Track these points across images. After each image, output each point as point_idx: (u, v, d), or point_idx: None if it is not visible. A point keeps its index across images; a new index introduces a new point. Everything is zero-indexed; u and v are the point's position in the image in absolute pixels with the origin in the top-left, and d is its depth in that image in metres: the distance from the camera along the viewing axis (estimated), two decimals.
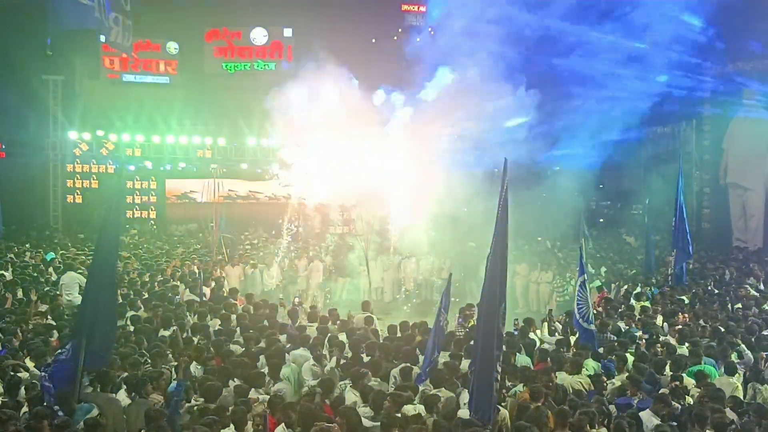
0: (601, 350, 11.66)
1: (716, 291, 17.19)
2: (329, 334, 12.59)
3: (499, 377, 7.75)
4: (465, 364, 10.55)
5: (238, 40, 34.54)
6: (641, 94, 24.26)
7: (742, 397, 9.49)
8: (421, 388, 9.64)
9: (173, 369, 10.22)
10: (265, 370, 10.27)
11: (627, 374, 10.16)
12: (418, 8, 33.76)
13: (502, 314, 7.55)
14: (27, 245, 22.78)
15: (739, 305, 15.61)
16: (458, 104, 21.05)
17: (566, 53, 23.53)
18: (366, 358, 11.12)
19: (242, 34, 34.54)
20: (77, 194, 30.02)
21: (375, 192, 21.61)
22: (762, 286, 18.58)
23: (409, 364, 10.35)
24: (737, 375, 10.46)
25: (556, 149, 24.30)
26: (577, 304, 12.32)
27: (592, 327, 12.12)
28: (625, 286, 18.56)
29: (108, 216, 9.02)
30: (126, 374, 9.39)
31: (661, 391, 9.24)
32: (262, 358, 10.76)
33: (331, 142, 21.63)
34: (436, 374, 9.85)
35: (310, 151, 22.00)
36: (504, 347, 10.61)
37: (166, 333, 12.48)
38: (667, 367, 10.57)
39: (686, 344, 11.85)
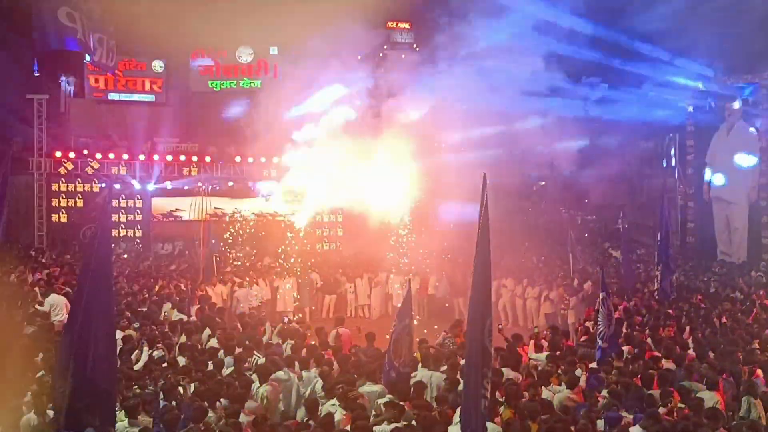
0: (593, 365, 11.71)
1: (702, 305, 17.16)
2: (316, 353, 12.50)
3: (488, 394, 7.72)
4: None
5: (224, 58, 34.68)
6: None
7: (723, 412, 9.42)
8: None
9: (160, 390, 10.11)
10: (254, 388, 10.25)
11: (608, 389, 10.20)
12: (397, 24, 34.08)
13: (488, 330, 7.55)
14: (12, 265, 22.42)
15: (725, 319, 15.59)
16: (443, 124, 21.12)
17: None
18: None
19: (228, 53, 34.69)
20: (62, 213, 29.75)
21: (362, 207, 21.83)
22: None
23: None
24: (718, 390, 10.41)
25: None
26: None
27: (605, 345, 12.18)
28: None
29: (98, 237, 8.88)
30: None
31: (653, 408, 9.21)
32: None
33: (318, 156, 21.99)
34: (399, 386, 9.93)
35: (298, 166, 22.50)
36: (497, 363, 10.92)
37: (154, 353, 12.37)
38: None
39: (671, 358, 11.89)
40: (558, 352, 12.63)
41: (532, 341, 14.05)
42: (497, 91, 21.07)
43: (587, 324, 15.57)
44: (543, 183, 26.88)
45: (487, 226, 7.39)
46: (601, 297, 12.67)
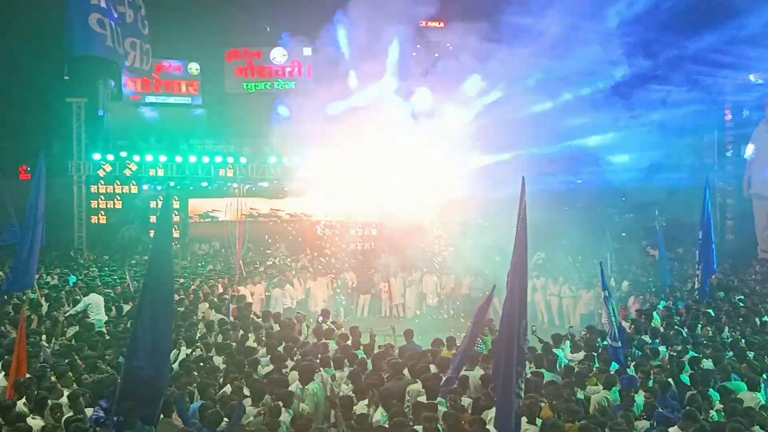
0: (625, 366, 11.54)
1: (742, 305, 16.76)
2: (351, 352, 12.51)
3: (522, 393, 7.69)
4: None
5: (258, 60, 34.84)
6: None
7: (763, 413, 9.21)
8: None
9: (196, 390, 10.16)
10: (295, 387, 10.31)
11: (645, 390, 10.08)
12: (437, 23, 33.80)
13: (523, 330, 7.55)
14: (53, 267, 22.74)
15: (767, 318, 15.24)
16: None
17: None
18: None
19: (262, 54, 34.84)
20: (101, 215, 30.05)
21: (397, 207, 21.78)
22: None
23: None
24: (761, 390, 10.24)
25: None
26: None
27: (618, 344, 11.90)
28: (648, 301, 18.30)
29: (158, 239, 9.04)
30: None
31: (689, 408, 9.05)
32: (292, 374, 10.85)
33: (352, 157, 21.95)
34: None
35: (331, 167, 22.39)
36: (533, 365, 10.99)
37: (190, 352, 12.39)
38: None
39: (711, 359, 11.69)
40: (594, 353, 12.49)
41: (566, 341, 13.91)
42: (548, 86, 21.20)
43: (623, 323, 15.34)
44: (580, 181, 26.20)
45: (524, 227, 7.49)
46: (602, 296, 12.61)
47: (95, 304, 16.01)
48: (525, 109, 21.93)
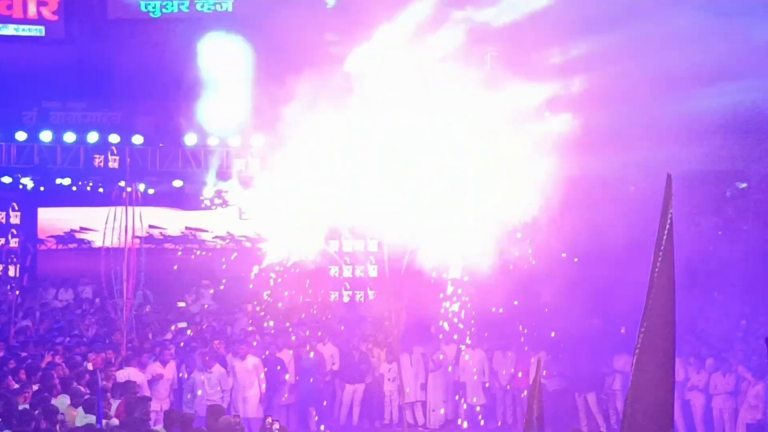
0: None
1: None
2: None
3: None
4: None
5: None
6: None
7: None
8: None
9: None
10: None
11: None
12: None
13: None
14: None
15: None
16: None
17: None
18: None
19: None
20: None
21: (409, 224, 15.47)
22: None
23: None
24: None
25: None
26: None
27: None
28: None
29: None
30: None
31: None
32: None
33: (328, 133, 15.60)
34: None
35: (293, 155, 16.10)
36: None
37: None
38: None
39: None
40: None
41: None
42: None
43: None
44: (744, 185, 20.91)
45: (671, 246, 6.03)
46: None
47: None
48: None
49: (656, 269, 6.29)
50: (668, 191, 6.10)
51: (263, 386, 16.00)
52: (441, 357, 16.93)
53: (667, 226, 6.22)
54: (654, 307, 6.28)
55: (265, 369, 16.20)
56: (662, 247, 6.32)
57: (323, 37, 17.67)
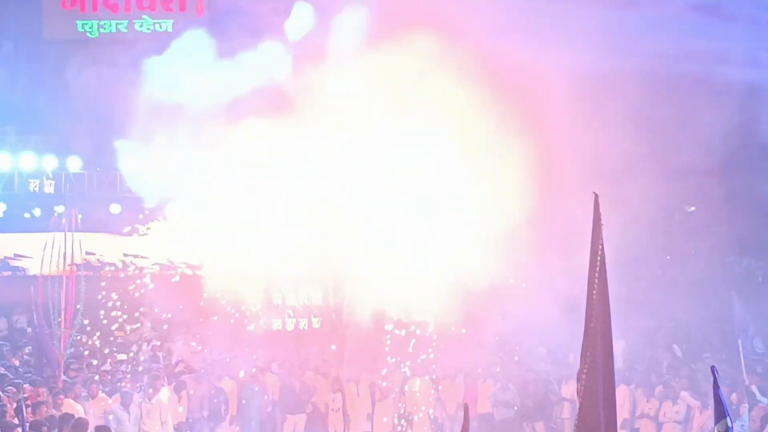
0: None
1: None
2: None
3: None
4: None
5: None
6: None
7: None
8: None
9: None
10: None
11: None
12: None
13: None
14: None
15: None
16: None
17: None
18: None
19: None
20: None
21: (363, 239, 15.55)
22: None
23: None
24: None
25: None
26: None
27: None
28: None
29: None
30: None
31: None
32: None
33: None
34: None
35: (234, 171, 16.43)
36: None
37: None
38: None
39: None
40: None
41: None
42: None
43: None
44: (693, 209, 20.74)
45: (604, 270, 6.04)
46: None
47: None
48: None
49: (593, 291, 6.20)
50: (597, 212, 6.11)
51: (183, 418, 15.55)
52: (388, 384, 16.14)
53: (600, 248, 6.19)
54: (595, 328, 6.20)
55: (214, 400, 15.76)
56: (597, 269, 6.25)
57: None
